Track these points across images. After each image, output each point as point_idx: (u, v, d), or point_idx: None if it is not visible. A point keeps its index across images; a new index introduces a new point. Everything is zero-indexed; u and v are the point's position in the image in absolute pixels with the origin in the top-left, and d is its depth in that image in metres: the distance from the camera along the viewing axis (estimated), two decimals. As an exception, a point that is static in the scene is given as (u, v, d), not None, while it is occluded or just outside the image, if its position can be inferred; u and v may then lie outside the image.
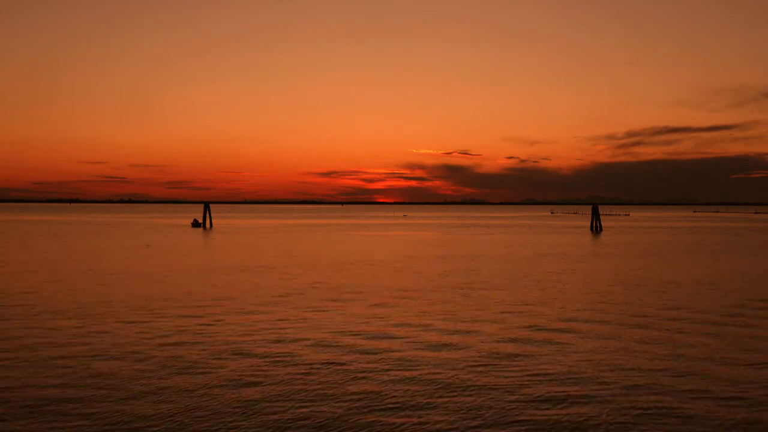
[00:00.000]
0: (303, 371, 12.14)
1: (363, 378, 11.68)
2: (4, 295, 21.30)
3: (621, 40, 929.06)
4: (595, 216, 77.66)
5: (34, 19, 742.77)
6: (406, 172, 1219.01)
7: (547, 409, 10.10)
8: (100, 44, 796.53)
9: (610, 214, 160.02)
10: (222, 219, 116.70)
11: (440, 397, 10.65)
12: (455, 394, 10.80)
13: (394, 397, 10.64)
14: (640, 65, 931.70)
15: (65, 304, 19.61)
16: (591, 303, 20.29)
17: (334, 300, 20.68)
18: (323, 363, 12.70)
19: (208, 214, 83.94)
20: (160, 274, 27.93)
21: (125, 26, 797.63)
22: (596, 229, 75.77)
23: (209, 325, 16.49)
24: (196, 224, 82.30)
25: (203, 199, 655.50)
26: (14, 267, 30.70)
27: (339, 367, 12.36)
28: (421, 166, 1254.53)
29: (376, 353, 13.52)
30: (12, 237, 57.67)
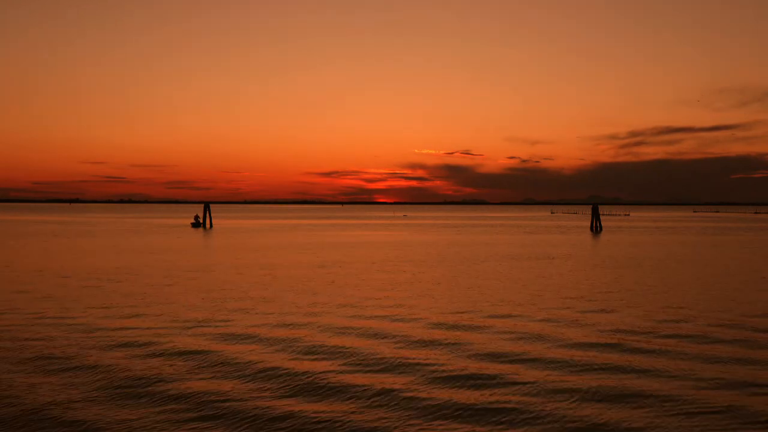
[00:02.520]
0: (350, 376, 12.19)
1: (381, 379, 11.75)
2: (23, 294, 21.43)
3: (624, 39, 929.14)
4: (595, 216, 77.77)
5: (33, 17, 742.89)
6: (407, 172, 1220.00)
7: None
8: (101, 44, 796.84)
9: (610, 214, 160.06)
10: (222, 219, 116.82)
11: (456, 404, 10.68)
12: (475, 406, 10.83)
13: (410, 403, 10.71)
14: (644, 65, 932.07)
15: (116, 303, 19.71)
16: (594, 303, 20.36)
17: (359, 301, 20.74)
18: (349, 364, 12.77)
19: (208, 215, 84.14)
20: (179, 275, 28.02)
21: (126, 26, 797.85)
22: (596, 229, 75.88)
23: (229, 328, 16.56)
24: (196, 224, 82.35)
25: (203, 199, 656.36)
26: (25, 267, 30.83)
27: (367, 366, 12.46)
28: (422, 166, 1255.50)
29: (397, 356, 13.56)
30: (16, 236, 57.79)
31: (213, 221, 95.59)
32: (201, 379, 11.64)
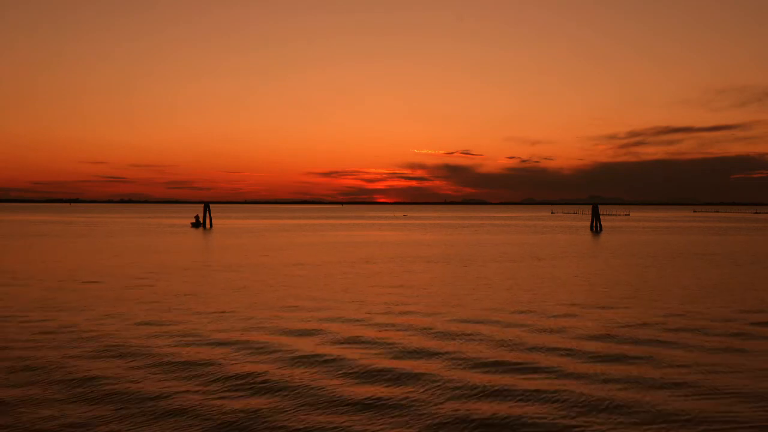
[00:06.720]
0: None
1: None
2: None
3: (624, 39, 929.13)
4: (595, 216, 77.81)
5: (33, 17, 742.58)
6: (407, 172, 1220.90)
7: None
8: (101, 44, 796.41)
9: (610, 214, 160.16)
10: (222, 219, 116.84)
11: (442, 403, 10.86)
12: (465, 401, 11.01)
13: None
14: (644, 65, 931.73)
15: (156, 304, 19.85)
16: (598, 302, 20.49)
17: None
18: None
19: (208, 214, 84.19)
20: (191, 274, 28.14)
21: (126, 26, 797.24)
22: (596, 229, 75.93)
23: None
24: (196, 224, 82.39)
25: (203, 199, 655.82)
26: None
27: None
28: (422, 166, 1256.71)
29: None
30: (26, 236, 57.91)
31: (213, 221, 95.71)
32: (263, 363, 12.58)
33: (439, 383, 11.35)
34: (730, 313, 18.35)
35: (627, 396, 10.69)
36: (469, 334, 15.35)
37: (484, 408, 10.07)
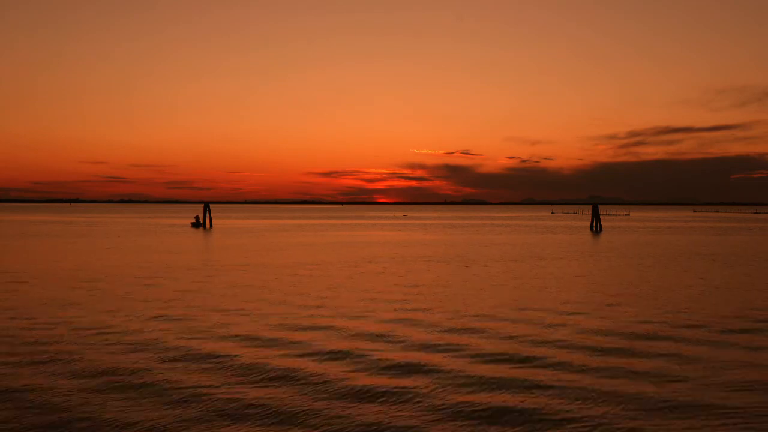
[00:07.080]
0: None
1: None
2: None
3: (624, 39, 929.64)
4: (595, 216, 77.77)
5: (33, 17, 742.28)
6: (407, 172, 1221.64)
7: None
8: (101, 44, 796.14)
9: (610, 214, 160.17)
10: (222, 219, 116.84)
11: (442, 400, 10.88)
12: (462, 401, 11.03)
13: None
14: (644, 65, 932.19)
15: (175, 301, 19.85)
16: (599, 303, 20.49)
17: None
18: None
19: (208, 214, 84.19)
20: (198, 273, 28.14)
21: (126, 26, 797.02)
22: (596, 229, 75.91)
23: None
24: (196, 224, 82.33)
25: (203, 199, 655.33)
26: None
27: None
28: (422, 166, 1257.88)
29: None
30: (33, 236, 57.89)
31: (213, 221, 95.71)
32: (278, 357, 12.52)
33: (450, 377, 11.53)
34: (735, 311, 18.39)
35: (635, 390, 10.74)
36: (478, 332, 15.46)
37: (496, 402, 10.17)
